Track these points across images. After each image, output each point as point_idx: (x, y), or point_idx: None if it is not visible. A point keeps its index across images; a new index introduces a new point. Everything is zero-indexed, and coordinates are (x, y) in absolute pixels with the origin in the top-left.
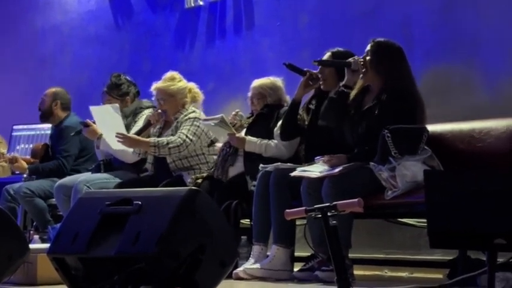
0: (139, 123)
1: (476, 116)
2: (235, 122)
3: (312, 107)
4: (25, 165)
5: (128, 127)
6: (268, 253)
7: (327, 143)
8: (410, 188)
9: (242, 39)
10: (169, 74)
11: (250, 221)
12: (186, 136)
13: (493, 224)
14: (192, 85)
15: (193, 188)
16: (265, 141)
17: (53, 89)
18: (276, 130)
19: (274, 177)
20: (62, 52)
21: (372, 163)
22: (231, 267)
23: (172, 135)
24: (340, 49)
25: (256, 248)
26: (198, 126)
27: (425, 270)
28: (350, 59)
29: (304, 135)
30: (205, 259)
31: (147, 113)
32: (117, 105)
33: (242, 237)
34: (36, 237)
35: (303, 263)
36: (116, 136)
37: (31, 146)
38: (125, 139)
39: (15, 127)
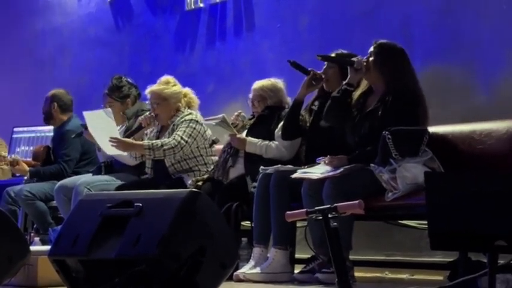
0: None
1: (477, 118)
2: (237, 122)
3: (314, 108)
4: (26, 167)
5: (130, 129)
6: (268, 255)
7: (328, 145)
8: (410, 190)
9: (242, 41)
10: (165, 77)
11: (251, 223)
12: (181, 138)
13: (493, 226)
14: (188, 90)
15: (194, 190)
16: (266, 142)
17: (52, 91)
18: (277, 132)
19: (274, 179)
20: (62, 54)
21: (372, 165)
22: (232, 269)
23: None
24: (344, 51)
25: (256, 250)
26: (194, 128)
27: (426, 272)
28: (353, 58)
29: (306, 137)
30: (206, 261)
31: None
32: (110, 109)
33: (243, 239)
34: (36, 239)
35: (303, 265)
36: (110, 141)
37: (31, 148)
38: (119, 143)
39: (15, 129)
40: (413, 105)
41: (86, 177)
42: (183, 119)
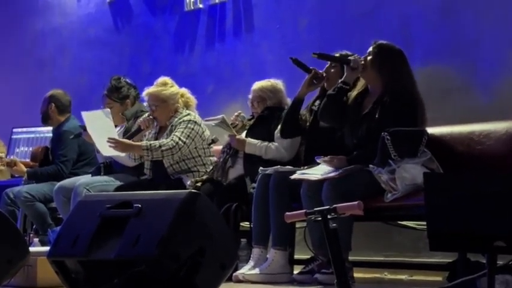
0: None
1: (476, 118)
2: (236, 122)
3: (314, 108)
4: (24, 168)
5: (129, 130)
6: (268, 255)
7: (327, 145)
8: (410, 191)
9: (242, 42)
10: (161, 79)
11: (250, 224)
12: (179, 138)
13: (492, 227)
14: (184, 90)
15: (193, 190)
16: (266, 143)
17: (51, 92)
18: (277, 133)
19: (273, 180)
20: (61, 55)
21: (371, 165)
22: (231, 269)
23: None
24: (349, 52)
25: (255, 251)
26: (192, 129)
27: (425, 272)
28: (350, 57)
29: (305, 137)
30: (205, 262)
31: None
32: (108, 110)
33: (242, 239)
34: (36, 240)
35: (302, 266)
36: (108, 141)
37: (31, 149)
38: (117, 144)
39: (14, 130)
40: (411, 107)
41: (85, 178)
42: (181, 120)
